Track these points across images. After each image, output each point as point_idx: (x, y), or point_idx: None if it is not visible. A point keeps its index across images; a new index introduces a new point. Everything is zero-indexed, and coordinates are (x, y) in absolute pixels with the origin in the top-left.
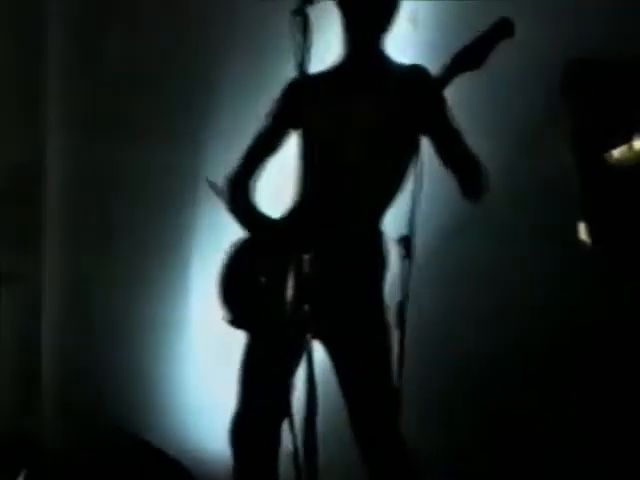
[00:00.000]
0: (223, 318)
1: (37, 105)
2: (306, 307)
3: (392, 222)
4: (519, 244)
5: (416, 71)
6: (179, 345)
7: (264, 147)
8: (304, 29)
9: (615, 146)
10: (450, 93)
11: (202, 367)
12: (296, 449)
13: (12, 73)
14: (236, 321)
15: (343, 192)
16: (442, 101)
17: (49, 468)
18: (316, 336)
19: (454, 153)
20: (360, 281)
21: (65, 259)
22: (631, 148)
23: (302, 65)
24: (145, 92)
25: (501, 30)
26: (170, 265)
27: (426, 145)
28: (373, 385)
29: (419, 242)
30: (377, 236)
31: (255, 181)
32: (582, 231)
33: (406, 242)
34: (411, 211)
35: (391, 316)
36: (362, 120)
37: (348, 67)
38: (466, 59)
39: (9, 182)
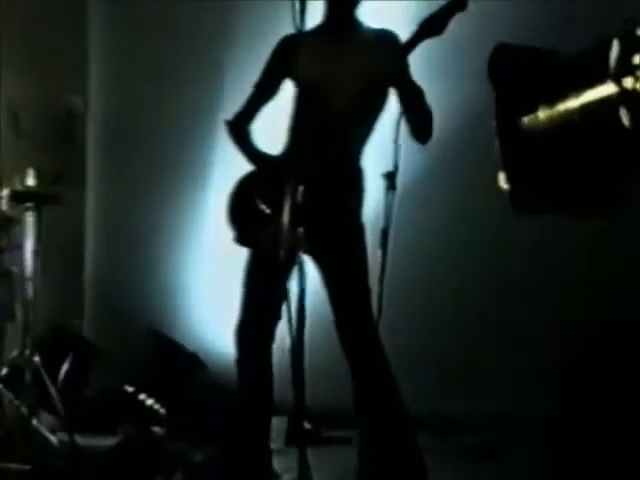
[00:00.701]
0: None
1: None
2: (300, 229)
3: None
4: None
5: (388, 34)
6: (199, 260)
7: (261, 94)
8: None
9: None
10: None
11: (215, 278)
12: (293, 347)
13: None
14: (240, 239)
15: (329, 132)
16: (406, 62)
17: (89, 355)
18: (307, 252)
19: (414, 104)
20: (343, 207)
21: (102, 187)
22: (538, 116)
23: (300, 27)
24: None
25: (456, 5)
26: (191, 189)
27: None
28: (353, 290)
29: (400, 178)
30: (357, 171)
31: (252, 124)
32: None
33: (391, 176)
34: (395, 150)
35: (376, 239)
36: (344, 73)
37: (330, 29)
38: (429, 27)
39: (57, 123)
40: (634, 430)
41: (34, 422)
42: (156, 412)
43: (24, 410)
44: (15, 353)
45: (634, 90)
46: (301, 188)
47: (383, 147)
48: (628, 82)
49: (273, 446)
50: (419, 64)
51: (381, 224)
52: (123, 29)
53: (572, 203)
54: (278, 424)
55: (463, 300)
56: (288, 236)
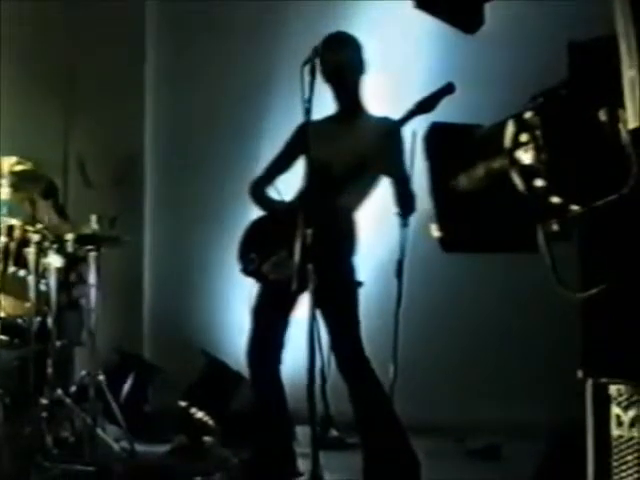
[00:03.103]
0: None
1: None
2: (310, 266)
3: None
4: None
5: (386, 122)
6: (243, 291)
7: (279, 166)
8: (312, 73)
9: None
10: None
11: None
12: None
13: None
14: (247, 272)
15: (330, 198)
16: (400, 141)
17: (148, 374)
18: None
19: (399, 186)
20: (336, 253)
21: (159, 229)
22: (459, 180)
23: (309, 100)
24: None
25: (446, 90)
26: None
27: None
28: (344, 320)
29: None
30: (350, 222)
31: (269, 187)
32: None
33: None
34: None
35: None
36: (342, 151)
37: (337, 117)
38: (422, 107)
39: (120, 170)
40: None
41: (99, 431)
42: (205, 424)
43: (90, 421)
44: (83, 373)
45: (522, 162)
46: (310, 231)
47: None
48: (518, 155)
49: (298, 450)
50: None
51: (397, 256)
52: (177, 84)
53: (490, 245)
54: (304, 431)
55: (467, 310)
56: (300, 273)
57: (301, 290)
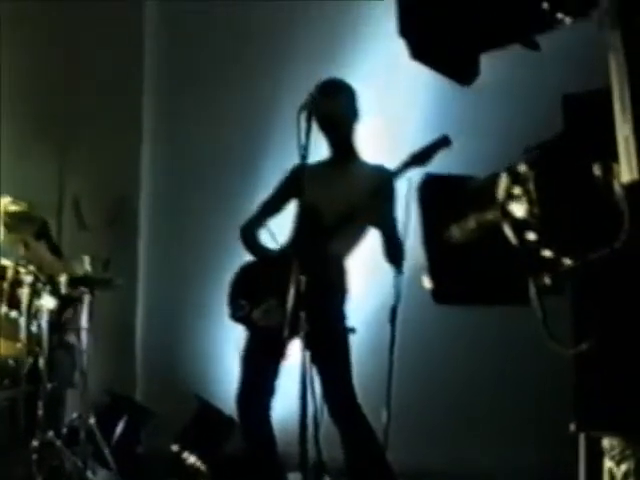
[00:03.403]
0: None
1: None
2: (302, 314)
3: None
4: None
5: (380, 171)
6: (237, 334)
7: (270, 209)
8: (308, 119)
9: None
10: None
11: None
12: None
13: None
14: (234, 316)
15: (321, 245)
16: (392, 194)
17: (140, 418)
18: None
19: (389, 236)
20: (327, 299)
21: (152, 271)
22: (451, 231)
23: (305, 146)
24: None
25: (442, 142)
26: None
27: None
28: (334, 365)
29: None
30: (341, 269)
31: (260, 230)
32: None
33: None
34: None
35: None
36: (334, 197)
37: (331, 162)
38: (417, 159)
39: (114, 210)
40: None
41: (89, 475)
42: (198, 469)
43: (80, 465)
44: (74, 415)
45: (515, 215)
46: (304, 278)
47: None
48: (510, 208)
49: None
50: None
51: (390, 302)
52: (174, 125)
53: (481, 297)
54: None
55: (461, 357)
56: (292, 319)
57: (291, 336)
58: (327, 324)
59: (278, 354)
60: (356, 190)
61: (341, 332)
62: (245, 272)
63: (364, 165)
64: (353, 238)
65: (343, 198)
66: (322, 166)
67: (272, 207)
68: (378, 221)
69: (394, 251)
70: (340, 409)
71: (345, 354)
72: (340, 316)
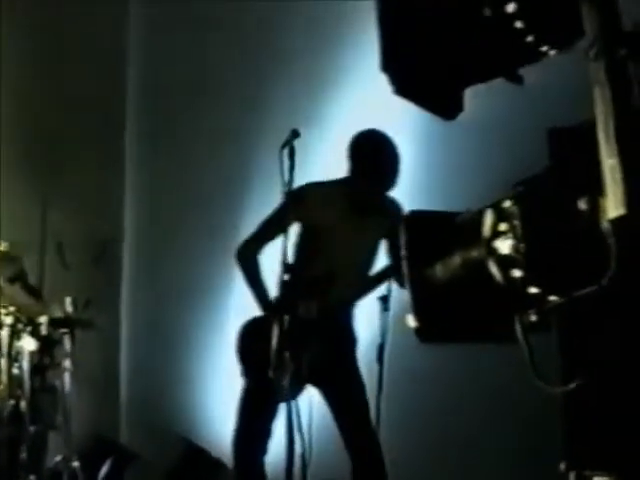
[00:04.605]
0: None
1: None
2: (286, 354)
3: None
4: None
5: (395, 206)
6: (226, 375)
7: (273, 230)
8: (291, 156)
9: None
10: None
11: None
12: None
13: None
14: (248, 380)
15: (331, 276)
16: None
17: (124, 460)
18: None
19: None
20: (342, 349)
21: (136, 311)
22: (436, 269)
23: (289, 183)
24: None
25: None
26: (216, 309)
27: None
28: (355, 404)
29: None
30: (350, 316)
31: (260, 254)
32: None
33: (384, 299)
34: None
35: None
36: (352, 229)
37: (350, 189)
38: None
39: (98, 250)
40: None
41: None
42: None
43: None
44: (57, 459)
45: (500, 252)
46: (287, 317)
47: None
48: (496, 245)
49: None
50: None
51: (378, 340)
52: (157, 164)
53: (466, 335)
54: None
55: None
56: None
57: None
58: (344, 367)
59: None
60: (373, 234)
61: (358, 371)
62: (247, 330)
63: (382, 201)
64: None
65: (359, 232)
66: (336, 191)
67: (274, 229)
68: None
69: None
70: (366, 459)
71: (364, 390)
72: (354, 360)
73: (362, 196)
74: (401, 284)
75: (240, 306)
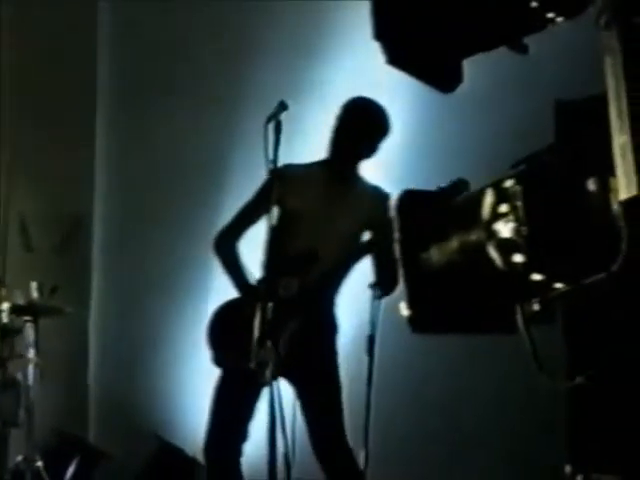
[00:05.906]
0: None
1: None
2: (269, 343)
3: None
4: None
5: (380, 194)
6: (199, 368)
7: (250, 216)
8: (277, 130)
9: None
10: None
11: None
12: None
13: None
14: (216, 360)
15: (310, 259)
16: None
17: (92, 459)
18: (282, 373)
19: (384, 261)
20: (321, 334)
21: (106, 299)
22: (431, 253)
23: (274, 161)
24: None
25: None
26: (191, 299)
27: None
28: (326, 404)
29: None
30: (332, 302)
31: (238, 241)
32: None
33: (376, 289)
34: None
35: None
36: (333, 214)
37: (328, 170)
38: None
39: (65, 233)
40: None
41: None
42: None
43: None
44: (19, 458)
45: (501, 235)
46: (271, 305)
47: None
48: (496, 227)
49: None
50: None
51: (367, 331)
52: (129, 143)
53: (463, 326)
54: None
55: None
56: (259, 351)
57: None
58: (320, 362)
59: (256, 394)
60: (353, 218)
61: (335, 370)
62: (221, 314)
63: (364, 185)
64: (347, 265)
65: (340, 218)
66: (313, 170)
67: (252, 215)
68: (375, 251)
69: (387, 283)
70: (330, 450)
71: (339, 393)
72: (333, 354)
73: (337, 166)
74: (385, 292)
75: (219, 292)
